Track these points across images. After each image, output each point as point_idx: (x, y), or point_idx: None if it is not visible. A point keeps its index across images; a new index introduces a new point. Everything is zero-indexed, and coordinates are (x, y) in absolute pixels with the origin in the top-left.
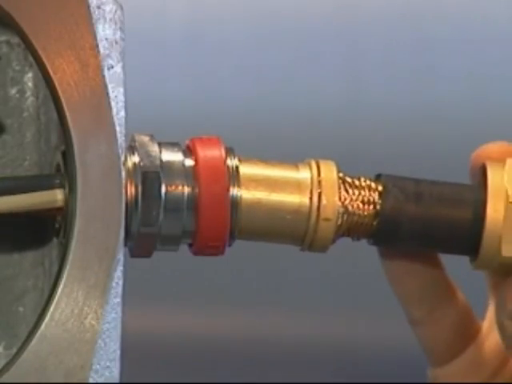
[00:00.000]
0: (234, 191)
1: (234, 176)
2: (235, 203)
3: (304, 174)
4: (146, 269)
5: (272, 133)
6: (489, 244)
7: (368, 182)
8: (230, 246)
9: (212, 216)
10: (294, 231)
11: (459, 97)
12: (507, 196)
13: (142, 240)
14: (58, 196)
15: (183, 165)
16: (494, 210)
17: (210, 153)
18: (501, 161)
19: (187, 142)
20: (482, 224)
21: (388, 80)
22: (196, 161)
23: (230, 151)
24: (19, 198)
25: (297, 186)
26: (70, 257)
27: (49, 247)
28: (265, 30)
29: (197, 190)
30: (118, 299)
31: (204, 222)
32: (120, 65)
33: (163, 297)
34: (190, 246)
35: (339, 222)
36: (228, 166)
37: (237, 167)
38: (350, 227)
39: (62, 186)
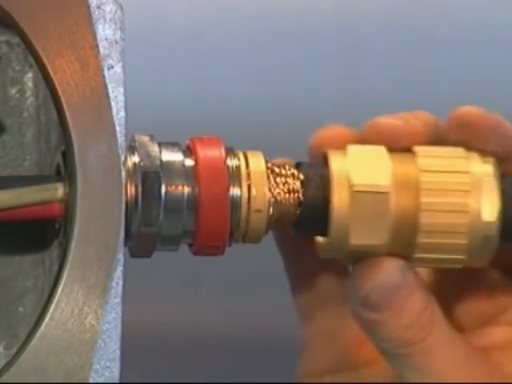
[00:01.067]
0: (235, 191)
1: (235, 176)
2: (235, 203)
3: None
4: (146, 268)
5: (272, 133)
6: (336, 233)
7: (292, 171)
8: (229, 245)
9: (212, 216)
10: None
11: (459, 97)
12: (351, 185)
13: (142, 240)
14: (58, 189)
15: (183, 165)
16: (338, 200)
17: (210, 153)
18: (341, 147)
19: (187, 141)
20: (328, 212)
21: (388, 80)
22: (196, 161)
23: (230, 151)
24: (18, 192)
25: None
26: (70, 257)
27: (49, 247)
28: (265, 30)
29: (197, 190)
30: (118, 299)
31: (204, 221)
32: (120, 65)
33: (164, 296)
34: (190, 245)
35: (270, 213)
36: (228, 166)
37: (237, 167)
38: (278, 217)
39: (61, 186)
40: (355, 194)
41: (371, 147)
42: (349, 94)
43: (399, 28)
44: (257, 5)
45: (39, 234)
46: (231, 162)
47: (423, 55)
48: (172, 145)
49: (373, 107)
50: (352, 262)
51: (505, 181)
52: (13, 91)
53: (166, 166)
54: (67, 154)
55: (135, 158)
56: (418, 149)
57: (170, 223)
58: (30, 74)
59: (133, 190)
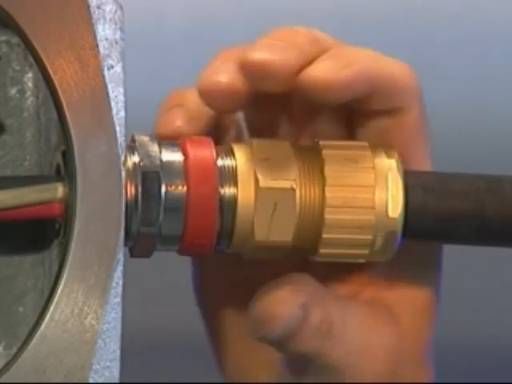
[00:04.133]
0: (226, 191)
1: (227, 176)
2: (226, 203)
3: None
4: (146, 268)
5: None
6: (241, 229)
7: None
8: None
9: (200, 216)
10: None
11: (459, 96)
12: (256, 182)
13: (142, 240)
14: (58, 189)
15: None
16: (244, 197)
17: (200, 152)
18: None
19: (179, 141)
20: (234, 210)
21: None
22: (185, 160)
23: (222, 150)
24: (18, 192)
25: None
26: (70, 257)
27: (49, 247)
28: (265, 30)
29: (185, 189)
30: (118, 299)
31: (191, 221)
32: (120, 65)
33: (164, 296)
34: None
35: None
36: (219, 166)
37: (229, 167)
38: None
39: (61, 186)
40: (261, 190)
41: (275, 142)
42: None
43: (398, 27)
44: (257, 5)
45: (39, 234)
46: (223, 162)
47: (423, 55)
48: (172, 145)
49: None
50: (257, 257)
51: (407, 176)
52: (13, 91)
53: (166, 166)
54: (67, 154)
55: (135, 158)
56: (322, 143)
57: (170, 223)
58: (29, 74)
59: (133, 190)
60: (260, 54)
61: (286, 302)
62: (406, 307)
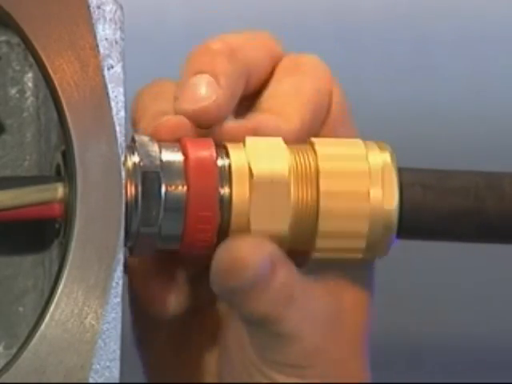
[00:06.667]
0: (225, 190)
1: (226, 176)
2: (226, 202)
3: None
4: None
5: None
6: (238, 229)
7: None
8: None
9: (200, 214)
10: None
11: (459, 96)
12: (250, 175)
13: (142, 240)
14: (58, 189)
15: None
16: (239, 191)
17: (200, 152)
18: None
19: (179, 141)
20: (230, 205)
21: (388, 80)
22: (186, 160)
23: (222, 151)
24: (18, 192)
25: None
26: (70, 257)
27: (49, 247)
28: (264, 30)
29: (185, 189)
30: (118, 299)
31: (191, 220)
32: (120, 65)
33: None
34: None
35: None
36: (219, 166)
37: (229, 166)
38: None
39: (61, 186)
40: (255, 183)
41: (268, 139)
42: (348, 93)
43: (399, 28)
44: (257, 5)
45: (39, 234)
46: (223, 162)
47: (423, 54)
48: (172, 145)
49: (372, 107)
50: None
51: (406, 174)
52: (13, 91)
53: (166, 166)
54: (67, 154)
55: (135, 158)
56: (315, 139)
57: (170, 223)
58: (30, 74)
59: (133, 189)
60: (189, 106)
61: (254, 252)
62: (348, 293)
